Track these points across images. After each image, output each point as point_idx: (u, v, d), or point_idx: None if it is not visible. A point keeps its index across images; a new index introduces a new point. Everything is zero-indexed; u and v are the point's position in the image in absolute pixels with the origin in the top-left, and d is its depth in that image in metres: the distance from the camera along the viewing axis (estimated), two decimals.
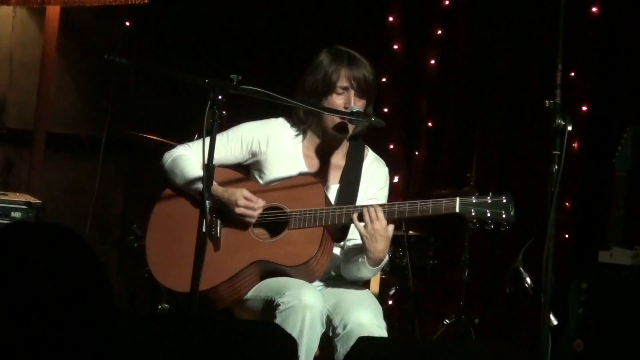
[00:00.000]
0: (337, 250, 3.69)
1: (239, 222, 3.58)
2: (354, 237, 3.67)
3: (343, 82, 3.65)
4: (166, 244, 3.65)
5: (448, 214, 3.47)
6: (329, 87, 3.65)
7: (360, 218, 3.47)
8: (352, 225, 3.61)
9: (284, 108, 3.73)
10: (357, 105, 3.64)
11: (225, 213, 3.59)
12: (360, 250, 3.60)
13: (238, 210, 3.56)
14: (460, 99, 5.90)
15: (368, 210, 3.45)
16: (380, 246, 3.47)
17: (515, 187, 5.46)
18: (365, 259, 3.50)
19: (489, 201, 3.45)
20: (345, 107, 3.63)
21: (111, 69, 5.60)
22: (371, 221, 3.44)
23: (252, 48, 6.20)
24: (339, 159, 3.75)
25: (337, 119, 3.65)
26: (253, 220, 3.58)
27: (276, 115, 3.81)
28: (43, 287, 1.64)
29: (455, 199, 3.45)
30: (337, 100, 3.65)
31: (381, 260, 3.52)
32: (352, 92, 3.65)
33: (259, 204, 3.57)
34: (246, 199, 3.56)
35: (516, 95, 5.73)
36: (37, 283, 1.64)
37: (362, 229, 3.46)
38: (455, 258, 5.40)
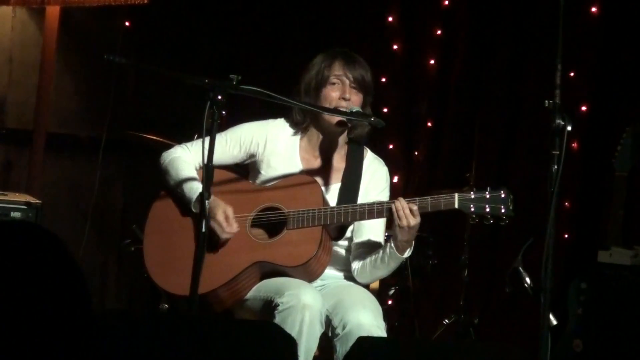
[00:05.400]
0: (336, 249, 3.70)
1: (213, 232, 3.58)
2: (357, 237, 3.68)
3: (337, 71, 3.66)
4: (164, 246, 3.65)
5: (447, 210, 3.48)
6: (323, 79, 3.66)
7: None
8: (354, 224, 3.63)
9: (284, 108, 3.73)
10: (354, 98, 3.65)
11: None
12: (370, 248, 3.62)
13: (212, 222, 3.54)
14: (460, 99, 5.90)
15: (403, 207, 3.45)
16: (405, 237, 3.50)
17: (514, 187, 5.44)
18: (395, 249, 3.51)
19: (488, 196, 3.46)
20: (342, 98, 3.64)
21: (111, 69, 5.61)
22: (405, 216, 3.45)
23: (252, 48, 6.20)
24: (337, 161, 3.75)
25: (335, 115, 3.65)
26: (222, 237, 3.56)
27: (275, 116, 3.81)
28: (13, 287, 1.63)
29: (454, 195, 3.46)
30: (333, 92, 3.65)
31: (407, 249, 3.55)
32: (347, 83, 3.65)
33: (232, 229, 3.55)
34: (225, 218, 3.55)
35: (516, 95, 5.73)
36: (6, 282, 1.63)
37: (396, 220, 3.46)
38: (455, 258, 5.40)
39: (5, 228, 1.70)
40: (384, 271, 3.65)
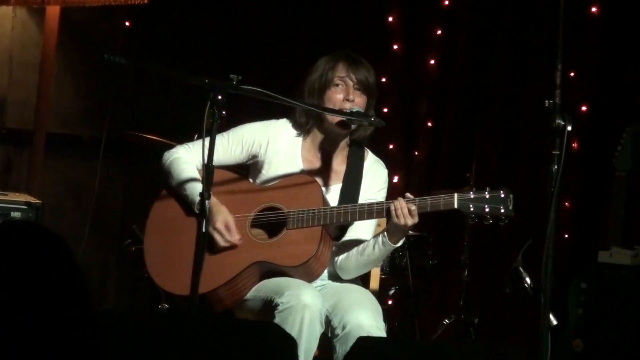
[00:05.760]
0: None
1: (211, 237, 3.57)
2: (347, 235, 3.68)
3: (341, 73, 3.65)
4: (164, 247, 3.65)
5: (447, 210, 3.47)
6: (327, 81, 3.65)
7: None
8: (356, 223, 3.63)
9: (285, 109, 3.73)
10: (357, 101, 3.64)
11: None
12: (355, 245, 3.62)
13: (211, 230, 3.52)
14: (460, 99, 5.90)
15: (401, 207, 3.45)
16: (399, 232, 3.52)
17: (514, 187, 5.44)
18: (387, 238, 3.52)
19: (487, 196, 3.45)
20: (345, 100, 3.63)
21: (111, 69, 5.60)
22: (403, 216, 3.45)
23: (252, 48, 6.20)
24: (338, 163, 3.74)
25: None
26: (217, 246, 3.55)
27: (276, 116, 3.81)
28: (16, 286, 1.63)
29: (454, 195, 3.45)
30: (336, 95, 3.64)
31: (399, 241, 3.56)
32: (350, 84, 3.64)
33: (233, 238, 3.55)
34: (226, 227, 3.55)
35: (516, 95, 5.73)
36: (6, 282, 1.63)
37: (394, 219, 3.47)
38: (455, 258, 5.40)
39: (9, 228, 1.70)
40: (370, 259, 3.62)
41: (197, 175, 3.62)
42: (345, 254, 3.66)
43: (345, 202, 3.64)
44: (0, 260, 1.66)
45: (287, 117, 3.78)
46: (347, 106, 3.63)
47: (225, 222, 3.55)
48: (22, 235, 1.70)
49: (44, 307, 1.65)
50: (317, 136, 3.74)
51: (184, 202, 3.66)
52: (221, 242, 3.55)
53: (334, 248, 3.68)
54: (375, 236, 3.61)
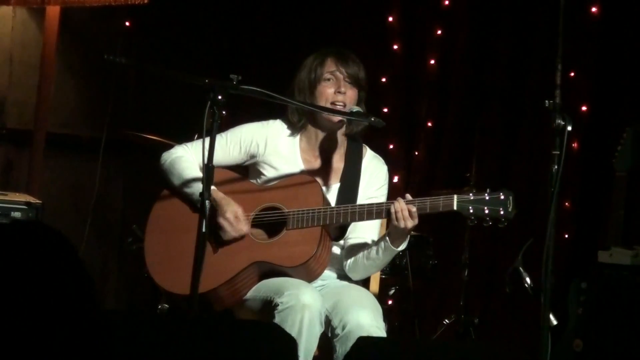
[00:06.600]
0: (336, 249, 3.69)
1: (216, 229, 3.57)
2: (352, 235, 3.68)
3: (330, 67, 3.66)
4: (165, 246, 3.65)
5: (446, 211, 3.47)
6: (317, 76, 3.66)
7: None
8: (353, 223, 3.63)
9: (284, 109, 3.73)
10: (349, 93, 3.64)
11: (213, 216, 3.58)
12: (363, 247, 3.61)
13: (221, 220, 3.55)
14: (460, 99, 5.90)
15: (402, 209, 3.44)
16: (400, 235, 3.52)
17: (515, 187, 5.44)
18: (390, 243, 3.51)
19: (487, 198, 3.44)
20: (337, 92, 3.63)
21: (111, 69, 5.60)
22: (404, 219, 3.45)
23: (252, 48, 6.20)
24: (337, 160, 3.75)
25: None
26: (226, 236, 3.56)
27: (276, 116, 3.81)
28: (22, 287, 1.64)
29: (453, 197, 3.45)
30: (328, 89, 3.65)
31: (402, 244, 3.56)
32: (341, 77, 3.65)
33: (242, 230, 3.56)
34: (235, 217, 3.55)
35: (516, 95, 5.73)
36: (15, 282, 1.64)
37: (394, 222, 3.47)
38: (455, 258, 5.40)
39: (17, 228, 1.71)
40: (376, 263, 3.64)
41: (199, 174, 3.62)
42: (352, 258, 3.68)
43: (343, 200, 3.64)
44: (9, 259, 1.66)
45: (281, 118, 3.78)
46: (340, 99, 3.64)
47: (234, 213, 3.55)
48: (29, 235, 1.70)
49: (52, 306, 1.66)
50: (312, 134, 3.74)
51: (186, 201, 3.66)
52: (231, 232, 3.55)
53: (340, 250, 3.69)
54: (378, 241, 3.61)
